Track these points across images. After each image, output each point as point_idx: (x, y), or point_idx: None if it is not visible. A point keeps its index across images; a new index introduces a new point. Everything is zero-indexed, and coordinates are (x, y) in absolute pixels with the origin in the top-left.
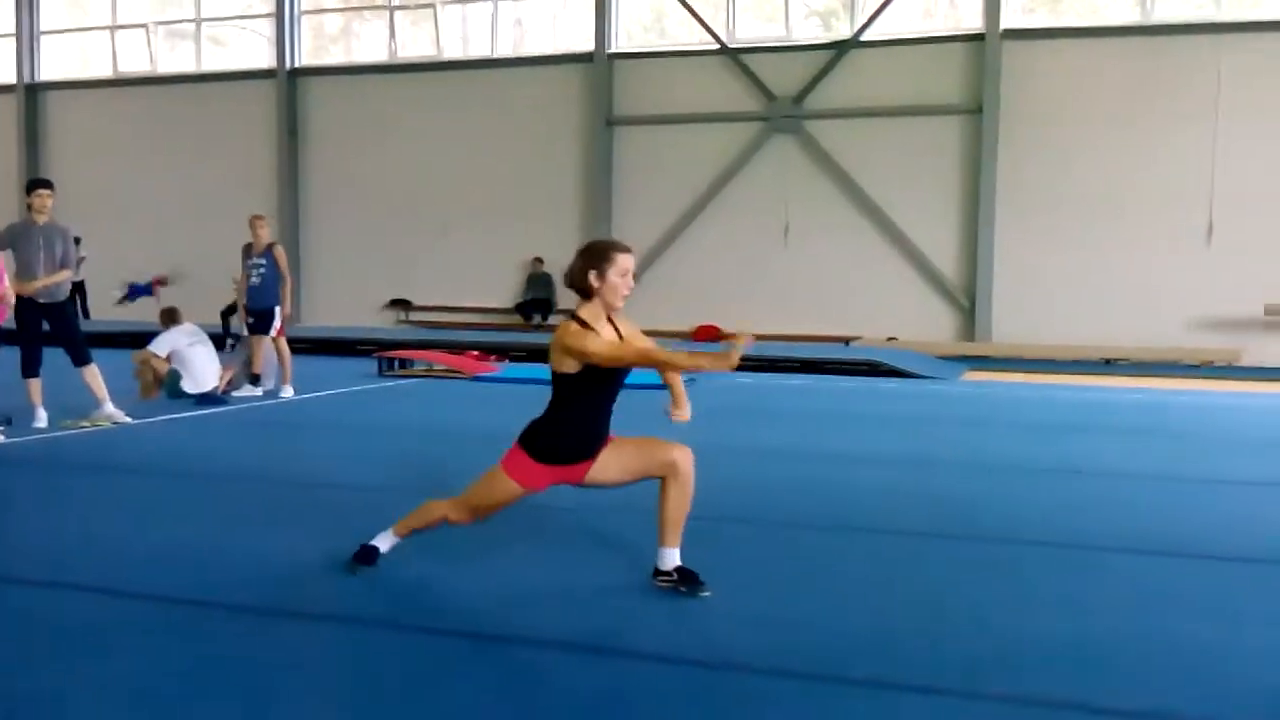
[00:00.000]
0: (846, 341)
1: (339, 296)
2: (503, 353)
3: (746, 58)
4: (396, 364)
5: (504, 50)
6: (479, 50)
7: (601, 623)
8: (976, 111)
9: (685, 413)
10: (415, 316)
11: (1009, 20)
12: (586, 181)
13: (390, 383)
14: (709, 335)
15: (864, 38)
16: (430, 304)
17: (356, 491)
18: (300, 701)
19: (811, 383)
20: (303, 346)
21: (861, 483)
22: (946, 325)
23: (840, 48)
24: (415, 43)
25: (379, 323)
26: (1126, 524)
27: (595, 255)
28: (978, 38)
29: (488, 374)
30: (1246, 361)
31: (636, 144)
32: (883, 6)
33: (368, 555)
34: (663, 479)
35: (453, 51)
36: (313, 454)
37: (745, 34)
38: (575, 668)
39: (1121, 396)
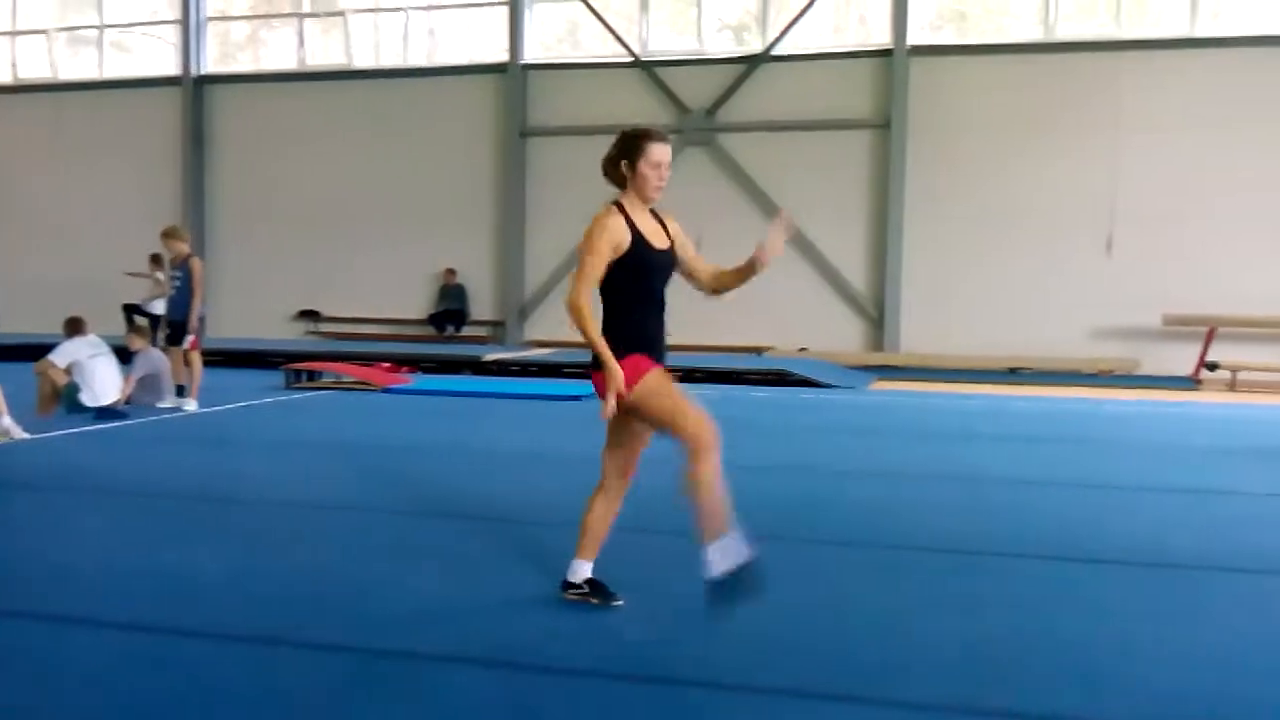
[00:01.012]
0: (759, 352)
1: (245, 307)
2: (414, 364)
3: (659, 70)
4: (305, 376)
5: (416, 60)
6: (391, 59)
7: (507, 637)
8: (885, 126)
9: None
10: (325, 328)
11: (916, 37)
12: (500, 193)
13: (298, 395)
14: None
15: (775, 52)
16: (340, 315)
17: (261, 507)
18: None
19: (723, 393)
20: (208, 359)
21: (765, 491)
22: (856, 336)
23: (752, 62)
24: (325, 51)
25: (287, 334)
26: (1024, 529)
27: (627, 143)
28: (886, 53)
29: (399, 386)
30: (1145, 370)
31: (550, 155)
32: (794, 21)
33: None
34: (602, 482)
35: (364, 60)
36: (213, 469)
37: (658, 46)
38: (481, 682)
39: (1024, 405)
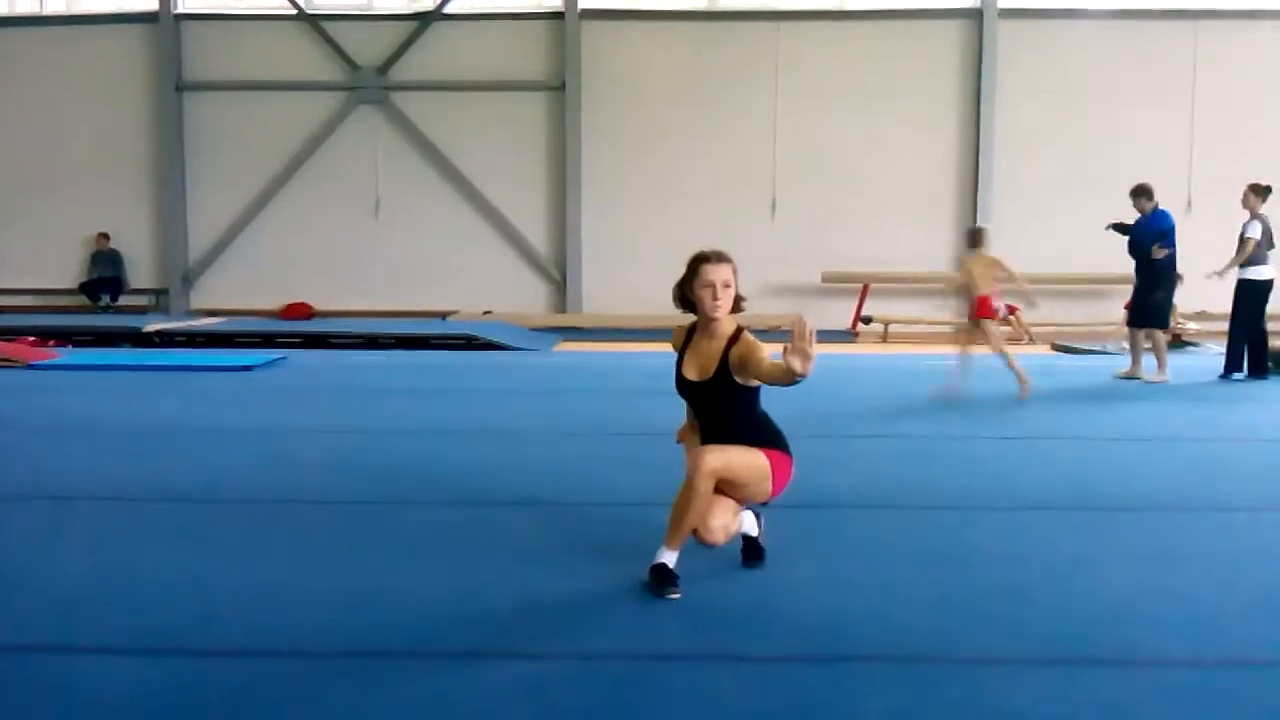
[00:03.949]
0: (444, 316)
1: None
2: (64, 337)
3: (327, 24)
4: None
5: (55, 7)
6: (26, 7)
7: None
8: (560, 88)
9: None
10: None
11: (587, 1)
12: (156, 151)
13: None
14: (300, 314)
15: (448, 10)
16: None
17: None
18: None
19: (408, 358)
20: None
21: (437, 455)
22: (540, 298)
23: (424, 19)
24: None
25: None
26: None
27: (687, 268)
28: (559, 15)
29: (47, 361)
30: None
31: (211, 112)
32: None
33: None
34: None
35: None
36: None
37: (325, 1)
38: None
39: None
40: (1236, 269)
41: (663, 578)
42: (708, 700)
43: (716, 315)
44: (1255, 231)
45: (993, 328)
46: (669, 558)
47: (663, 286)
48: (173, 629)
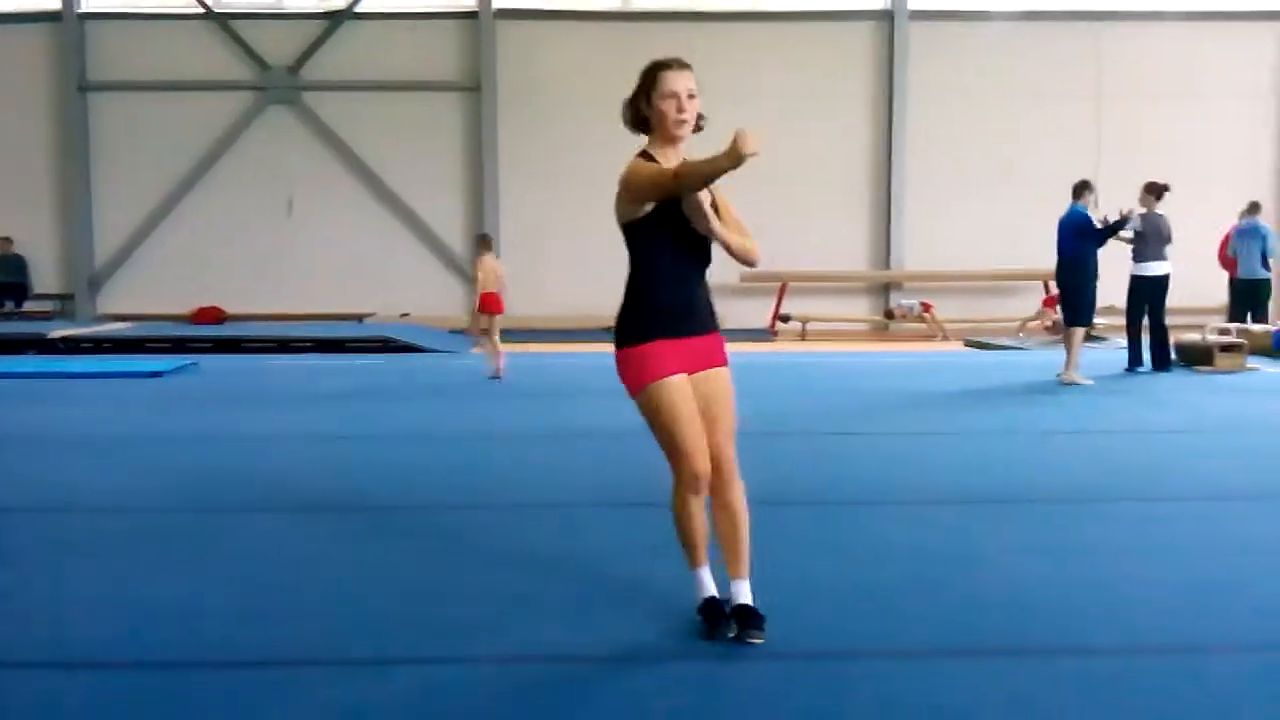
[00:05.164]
0: (360, 319)
1: None
2: None
3: (235, 24)
4: None
5: None
6: None
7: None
8: (475, 89)
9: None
10: None
11: (501, 1)
12: (59, 153)
13: None
14: (211, 318)
15: (360, 9)
16: None
17: None
18: None
19: (326, 361)
20: None
21: (355, 460)
22: (457, 299)
23: (335, 18)
24: None
25: None
26: (599, 478)
27: (640, 80)
28: (472, 15)
29: None
30: (728, 325)
31: (116, 113)
32: None
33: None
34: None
35: None
36: None
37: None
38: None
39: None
40: (1132, 265)
41: (713, 616)
42: (629, 698)
43: (681, 132)
44: (1136, 226)
45: (495, 319)
46: (706, 582)
47: (580, 286)
48: (75, 642)
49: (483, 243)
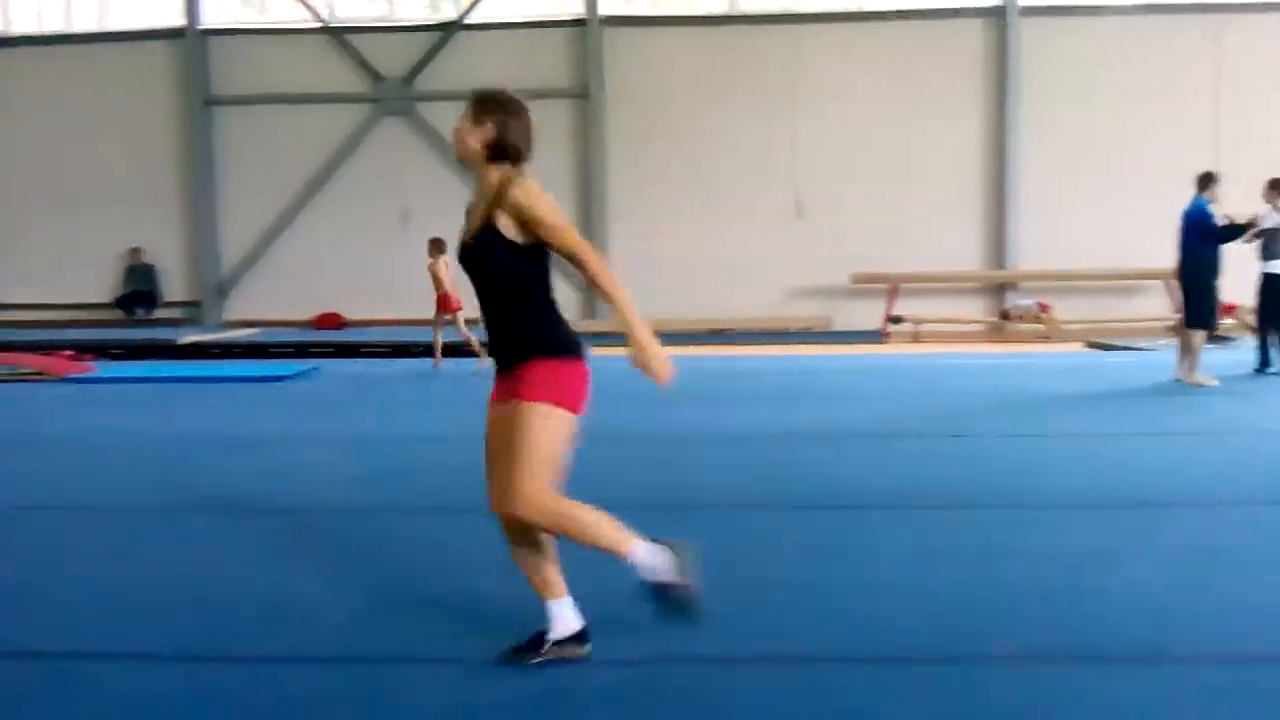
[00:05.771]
0: (476, 324)
1: None
2: (99, 351)
3: (351, 37)
4: None
5: (84, 25)
6: (53, 25)
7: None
8: (584, 95)
9: (656, 362)
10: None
11: (608, 8)
12: (186, 165)
13: None
14: (331, 324)
15: (470, 20)
16: (12, 301)
17: None
18: None
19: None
20: None
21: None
22: (570, 304)
23: (446, 29)
24: None
25: None
26: (732, 479)
27: (503, 113)
28: (580, 23)
29: (81, 374)
30: (837, 326)
31: (239, 125)
32: None
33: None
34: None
35: (24, 25)
36: None
37: (347, 13)
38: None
39: (730, 364)
40: (1261, 264)
41: (680, 596)
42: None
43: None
44: (1269, 224)
45: (460, 318)
46: (651, 559)
47: (691, 291)
48: (197, 638)
49: (437, 246)
